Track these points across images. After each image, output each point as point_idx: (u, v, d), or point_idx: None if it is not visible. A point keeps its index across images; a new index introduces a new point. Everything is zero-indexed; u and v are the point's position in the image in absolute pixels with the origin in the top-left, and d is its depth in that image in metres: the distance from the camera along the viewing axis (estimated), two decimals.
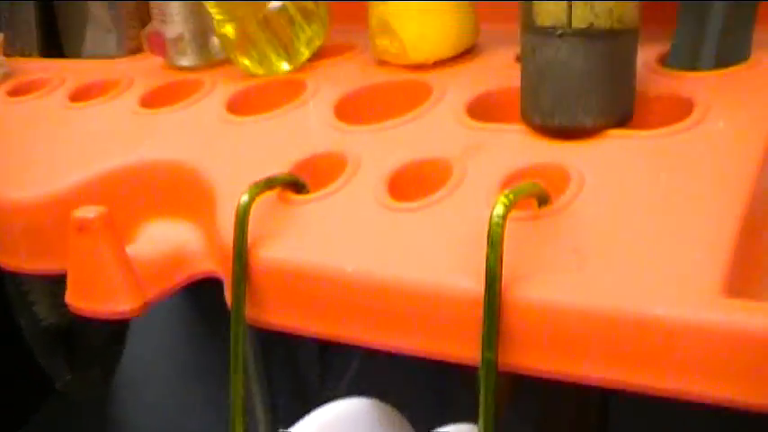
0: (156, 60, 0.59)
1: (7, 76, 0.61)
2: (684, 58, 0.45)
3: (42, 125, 0.55)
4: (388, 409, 0.43)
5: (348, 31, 0.56)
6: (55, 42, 0.64)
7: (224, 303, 0.44)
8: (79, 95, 0.56)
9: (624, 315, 0.34)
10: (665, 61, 0.46)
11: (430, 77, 0.49)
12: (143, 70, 0.58)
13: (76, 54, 0.63)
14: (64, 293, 0.46)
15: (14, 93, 0.59)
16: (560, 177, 0.40)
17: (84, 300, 0.45)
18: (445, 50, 0.50)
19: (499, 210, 0.35)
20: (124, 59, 0.61)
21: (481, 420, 0.36)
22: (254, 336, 0.72)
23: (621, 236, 0.36)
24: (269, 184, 0.43)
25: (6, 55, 0.64)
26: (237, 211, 0.42)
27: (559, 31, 0.40)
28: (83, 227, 0.44)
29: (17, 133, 0.54)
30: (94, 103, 0.55)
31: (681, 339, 0.33)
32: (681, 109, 0.42)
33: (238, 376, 0.42)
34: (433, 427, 0.41)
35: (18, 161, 0.52)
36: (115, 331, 0.74)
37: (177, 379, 1.01)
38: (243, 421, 0.42)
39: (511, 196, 0.36)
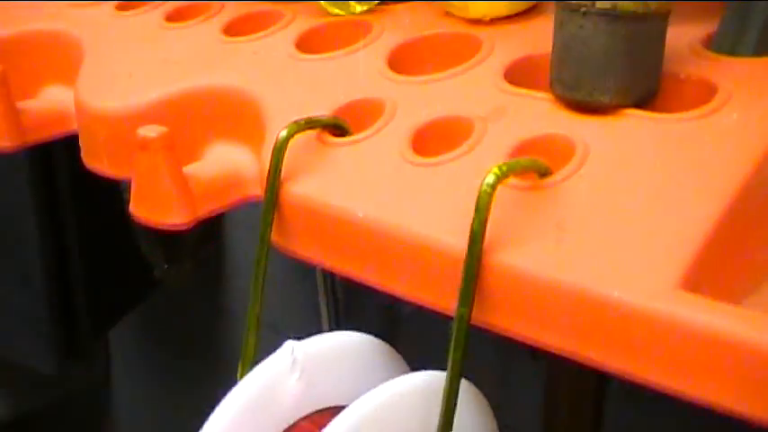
0: None
1: None
2: (726, 42, 0.45)
3: (137, 42, 0.59)
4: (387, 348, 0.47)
5: None
6: None
7: None
8: (174, 16, 0.61)
9: (585, 293, 0.36)
10: (710, 43, 0.46)
11: (483, 34, 0.51)
12: None
13: None
14: None
15: (122, 6, 0.64)
16: (567, 151, 0.41)
17: (143, 210, 0.50)
18: (502, 8, 0.51)
19: (490, 179, 0.38)
20: None
21: (449, 369, 0.39)
22: None
23: (604, 216, 0.38)
24: (309, 123, 0.46)
25: None
26: (275, 145, 0.45)
27: (583, 9, 0.41)
28: (144, 145, 0.48)
29: (114, 47, 0.59)
30: (185, 25, 0.60)
31: (631, 323, 0.35)
32: (705, 94, 0.43)
33: (257, 292, 0.47)
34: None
35: (109, 73, 0.57)
36: (204, 234, 0.81)
37: None
38: (256, 335, 0.46)
39: (504, 168, 0.38)
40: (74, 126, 0.60)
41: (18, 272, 0.94)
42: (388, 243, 0.41)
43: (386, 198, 0.43)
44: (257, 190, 0.51)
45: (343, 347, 0.46)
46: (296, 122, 0.46)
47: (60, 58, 0.63)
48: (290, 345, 0.44)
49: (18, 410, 1.10)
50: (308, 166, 0.46)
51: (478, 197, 0.38)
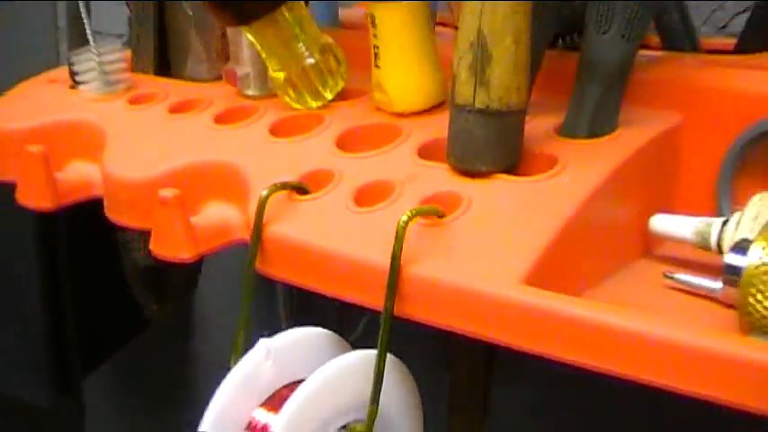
0: (231, 87, 0.83)
1: (130, 87, 0.86)
2: (568, 127, 0.66)
3: (147, 128, 0.79)
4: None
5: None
6: (166, 66, 0.89)
7: None
8: (176, 108, 0.81)
9: (464, 288, 0.56)
10: (560, 129, 0.68)
11: (404, 124, 0.72)
12: (222, 94, 0.83)
13: (180, 76, 0.88)
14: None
15: (133, 101, 0.84)
16: (457, 202, 0.62)
17: (160, 248, 0.70)
18: (418, 104, 0.73)
19: (403, 218, 0.58)
20: (211, 84, 0.86)
21: (379, 346, 0.59)
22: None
23: (477, 241, 0.58)
24: (282, 186, 0.66)
25: (132, 71, 0.89)
26: (259, 200, 0.65)
27: (468, 108, 0.62)
28: (164, 202, 0.68)
29: (130, 132, 0.79)
30: (184, 116, 0.80)
31: (488, 306, 0.55)
32: (550, 163, 0.64)
33: (246, 304, 0.66)
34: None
35: (128, 151, 0.77)
36: (190, 275, 0.99)
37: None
38: (244, 335, 0.65)
39: (413, 212, 0.58)
40: (94, 192, 0.80)
41: (17, 314, 1.09)
42: (337, 264, 0.61)
43: (335, 234, 0.63)
44: (241, 234, 0.71)
45: (304, 339, 0.65)
46: (274, 185, 0.66)
47: (82, 141, 0.83)
48: (263, 342, 0.64)
49: None
50: (281, 215, 0.66)
51: (397, 230, 0.58)
